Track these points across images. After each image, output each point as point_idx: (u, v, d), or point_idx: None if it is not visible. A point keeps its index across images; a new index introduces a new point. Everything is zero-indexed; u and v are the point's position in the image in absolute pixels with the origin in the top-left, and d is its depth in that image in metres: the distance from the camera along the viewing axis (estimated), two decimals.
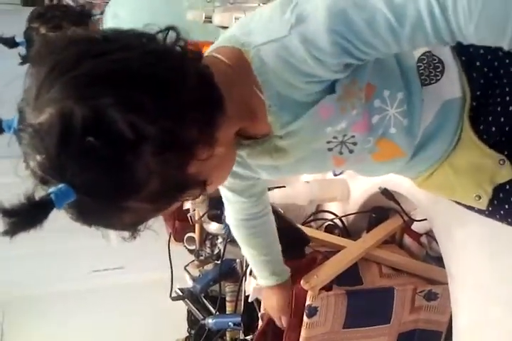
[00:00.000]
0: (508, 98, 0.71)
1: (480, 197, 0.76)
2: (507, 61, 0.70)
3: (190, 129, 0.56)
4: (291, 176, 0.85)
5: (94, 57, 0.54)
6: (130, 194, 0.55)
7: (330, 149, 0.72)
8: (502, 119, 0.71)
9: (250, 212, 1.02)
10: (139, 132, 0.52)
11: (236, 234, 1.09)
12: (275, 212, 1.31)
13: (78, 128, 0.51)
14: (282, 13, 0.61)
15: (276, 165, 0.77)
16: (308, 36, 0.58)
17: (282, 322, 1.22)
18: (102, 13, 1.89)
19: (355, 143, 0.71)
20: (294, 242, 1.33)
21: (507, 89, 0.70)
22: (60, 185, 0.51)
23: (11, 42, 1.58)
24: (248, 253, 1.11)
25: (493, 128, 0.72)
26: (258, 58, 0.63)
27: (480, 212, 0.80)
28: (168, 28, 0.60)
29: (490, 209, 0.77)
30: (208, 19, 1.68)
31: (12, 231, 0.49)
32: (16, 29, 1.60)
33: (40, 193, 0.51)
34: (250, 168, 0.82)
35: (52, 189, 0.51)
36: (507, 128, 0.71)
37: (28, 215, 0.49)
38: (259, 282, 1.18)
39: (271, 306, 1.22)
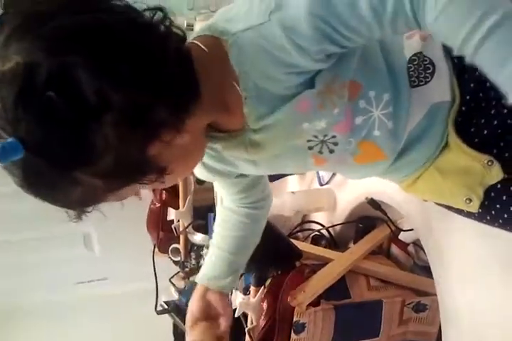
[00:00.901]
0: (503, 100, 0.69)
1: (470, 201, 0.74)
2: None
3: (159, 108, 0.53)
4: (273, 172, 0.82)
5: (75, 13, 0.51)
6: (82, 164, 0.52)
7: (310, 148, 0.70)
8: (495, 122, 0.69)
9: (244, 202, 0.96)
10: (103, 99, 0.49)
11: (220, 216, 0.99)
12: (266, 223, 1.30)
13: (42, 82, 0.48)
14: None
15: (253, 159, 0.75)
16: (288, 21, 0.56)
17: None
18: None
19: (336, 143, 0.69)
20: (286, 255, 1.32)
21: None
22: (10, 139, 0.48)
23: None
24: (216, 245, 0.99)
25: (485, 131, 0.70)
26: (236, 47, 0.61)
27: (469, 215, 0.79)
28: (157, 8, 0.58)
29: (480, 210, 0.75)
30: (190, 27, 1.66)
31: None
32: None
33: None
34: (228, 161, 0.78)
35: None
36: (499, 131, 0.69)
37: None
38: (199, 278, 0.97)
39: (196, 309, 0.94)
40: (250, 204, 0.97)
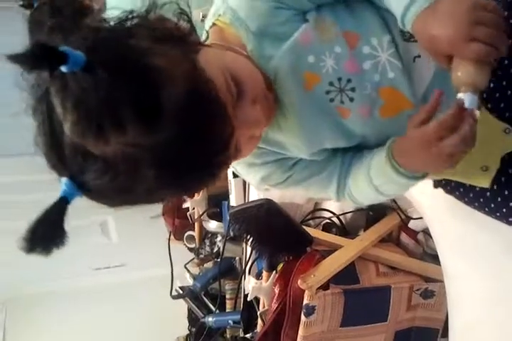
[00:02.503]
0: (506, 62, 0.70)
1: (487, 168, 0.75)
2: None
3: None
4: (313, 146, 0.74)
5: None
6: None
7: (331, 100, 0.69)
8: (504, 83, 0.71)
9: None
10: None
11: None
12: (278, 210, 1.33)
13: None
14: None
15: (289, 139, 0.73)
16: None
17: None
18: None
19: (353, 89, 0.69)
20: (297, 241, 1.35)
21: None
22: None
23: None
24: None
25: (497, 94, 0.72)
26: (228, 10, 0.66)
27: (472, 201, 0.80)
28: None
29: (494, 187, 0.76)
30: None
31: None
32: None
33: None
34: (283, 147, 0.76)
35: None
36: (509, 92, 0.71)
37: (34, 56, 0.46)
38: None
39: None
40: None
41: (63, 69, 0.46)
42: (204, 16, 1.76)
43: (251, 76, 0.64)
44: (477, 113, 0.60)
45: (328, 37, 0.67)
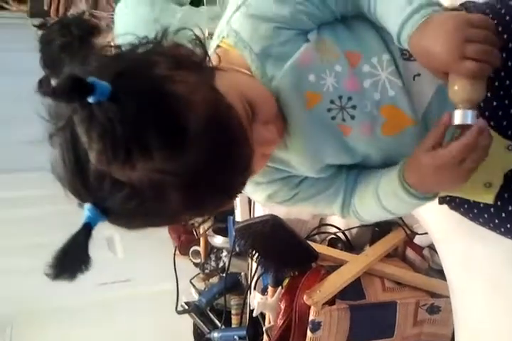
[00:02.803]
0: (508, 82, 0.71)
1: (491, 184, 0.76)
2: (505, 36, 0.70)
3: None
4: (315, 163, 0.75)
5: None
6: None
7: (333, 118, 0.70)
8: (506, 102, 0.72)
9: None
10: None
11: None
12: (283, 226, 1.34)
13: None
14: None
15: (294, 157, 0.74)
16: None
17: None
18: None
19: (354, 107, 0.69)
20: (303, 256, 1.36)
21: (502, 74, 0.71)
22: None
23: None
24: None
25: (500, 113, 0.73)
26: (232, 32, 0.67)
27: (477, 217, 0.81)
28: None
29: (498, 203, 0.77)
30: (212, 36, 1.71)
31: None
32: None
33: None
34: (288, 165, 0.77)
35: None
36: (511, 111, 0.72)
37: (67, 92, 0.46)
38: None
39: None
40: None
41: (90, 99, 0.47)
42: (210, 34, 1.80)
43: (265, 98, 0.66)
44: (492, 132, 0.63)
45: (329, 56, 0.68)
